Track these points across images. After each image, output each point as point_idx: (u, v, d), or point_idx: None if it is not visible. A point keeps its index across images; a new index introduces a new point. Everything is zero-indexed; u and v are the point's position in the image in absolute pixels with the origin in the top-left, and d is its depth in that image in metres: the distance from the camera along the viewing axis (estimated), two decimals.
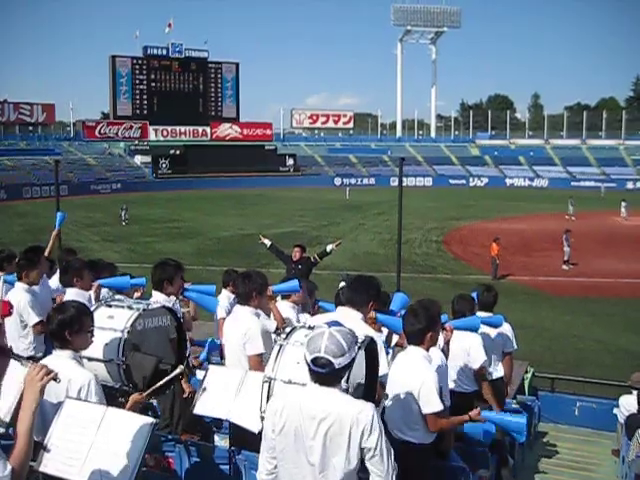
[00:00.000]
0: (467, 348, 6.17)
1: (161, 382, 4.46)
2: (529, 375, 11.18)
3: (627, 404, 8.14)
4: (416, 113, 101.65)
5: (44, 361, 3.44)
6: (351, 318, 4.57)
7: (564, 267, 26.08)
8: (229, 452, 4.85)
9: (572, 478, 7.74)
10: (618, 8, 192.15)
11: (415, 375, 4.64)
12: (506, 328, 6.95)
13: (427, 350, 4.76)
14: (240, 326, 5.47)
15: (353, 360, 3.29)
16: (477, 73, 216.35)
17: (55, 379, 2.94)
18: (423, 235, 35.60)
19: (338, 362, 3.18)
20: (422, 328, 4.69)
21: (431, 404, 4.59)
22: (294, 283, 6.43)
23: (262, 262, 21.30)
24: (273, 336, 5.23)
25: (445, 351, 5.29)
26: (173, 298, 5.85)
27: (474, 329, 5.80)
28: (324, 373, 3.20)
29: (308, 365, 3.24)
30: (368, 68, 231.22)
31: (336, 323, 3.46)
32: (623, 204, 44.21)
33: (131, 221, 40.00)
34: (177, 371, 4.66)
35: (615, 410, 8.61)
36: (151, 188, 66.70)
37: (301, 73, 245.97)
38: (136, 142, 77.46)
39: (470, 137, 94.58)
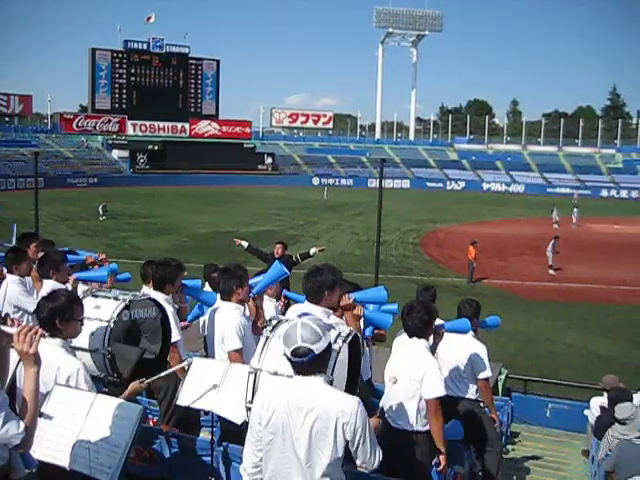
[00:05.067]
0: (471, 357, 6.26)
1: (163, 374, 4.56)
2: (503, 376, 11.36)
3: (597, 406, 8.31)
4: (395, 115, 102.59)
5: None
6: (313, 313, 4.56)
7: (551, 272, 26.29)
8: (210, 444, 4.91)
9: (543, 477, 7.89)
10: (597, 19, 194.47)
11: (419, 364, 4.86)
12: (475, 347, 6.34)
13: (427, 340, 5.07)
14: (220, 322, 5.55)
15: (330, 345, 3.40)
16: (457, 78, 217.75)
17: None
18: (400, 237, 35.77)
19: (317, 347, 3.28)
20: (427, 320, 5.02)
21: (435, 389, 4.81)
22: (278, 268, 5.84)
23: (240, 260, 21.18)
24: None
25: (432, 351, 5.45)
26: (171, 297, 5.89)
27: (464, 331, 5.88)
28: (306, 362, 3.29)
29: (289, 359, 3.33)
30: (349, 69, 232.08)
31: (306, 314, 3.56)
32: (575, 210, 44.17)
33: (108, 216, 39.77)
34: (180, 366, 4.76)
35: (586, 411, 8.79)
36: (128, 183, 66.29)
37: (282, 72, 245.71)
38: (114, 136, 76.63)
39: (448, 141, 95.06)
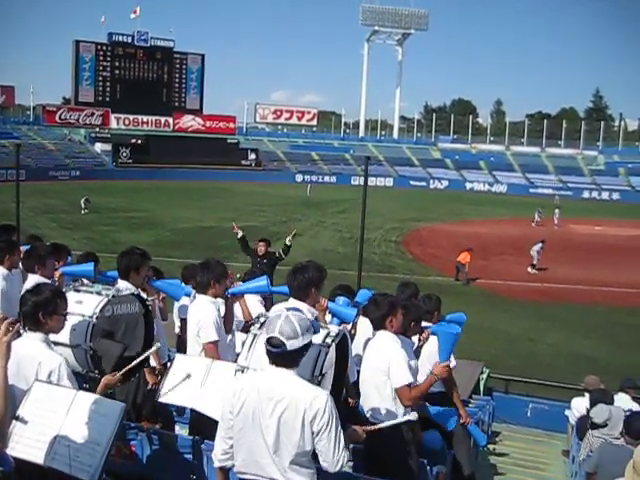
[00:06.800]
0: (435, 351, 6.21)
1: (133, 363, 4.48)
2: (484, 376, 11.39)
3: (579, 406, 8.34)
4: (380, 113, 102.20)
5: (15, 343, 3.41)
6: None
7: (531, 271, 26.40)
8: (193, 441, 4.87)
9: (523, 476, 7.91)
10: (582, 21, 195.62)
11: (383, 355, 4.83)
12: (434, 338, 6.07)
13: (394, 333, 4.96)
14: (195, 314, 5.55)
15: (308, 346, 3.43)
16: (442, 77, 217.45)
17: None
18: (382, 235, 35.81)
19: (290, 344, 3.33)
20: (383, 314, 4.93)
21: (400, 377, 4.76)
22: (262, 283, 6.26)
23: (222, 255, 21.08)
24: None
25: (416, 353, 5.43)
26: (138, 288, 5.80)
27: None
28: (276, 353, 3.35)
29: (265, 345, 3.38)
30: (334, 66, 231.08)
31: (295, 309, 3.55)
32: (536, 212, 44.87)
33: (90, 210, 39.52)
34: (153, 349, 4.72)
35: (567, 412, 8.83)
36: (111, 177, 65.83)
37: (266, 68, 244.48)
38: (97, 129, 76.24)
39: (432, 140, 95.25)
